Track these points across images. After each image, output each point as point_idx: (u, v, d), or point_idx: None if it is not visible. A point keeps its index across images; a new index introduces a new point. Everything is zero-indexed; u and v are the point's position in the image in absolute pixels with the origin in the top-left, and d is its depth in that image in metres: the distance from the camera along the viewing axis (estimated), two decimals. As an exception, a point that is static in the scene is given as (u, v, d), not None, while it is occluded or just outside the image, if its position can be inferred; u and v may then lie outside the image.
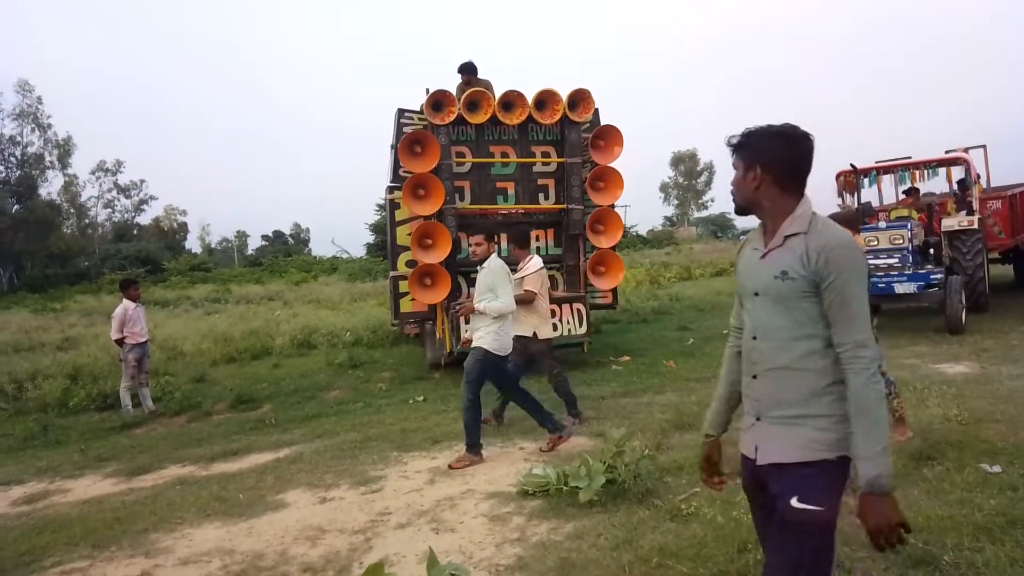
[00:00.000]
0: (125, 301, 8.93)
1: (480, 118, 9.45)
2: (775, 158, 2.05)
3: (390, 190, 9.79)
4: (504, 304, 5.46)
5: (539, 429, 6.23)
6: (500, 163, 9.76)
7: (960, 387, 6.33)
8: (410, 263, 9.32)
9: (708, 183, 72.85)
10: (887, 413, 1.88)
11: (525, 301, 6.22)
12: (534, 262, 6.44)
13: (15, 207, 45.71)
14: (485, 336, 5.48)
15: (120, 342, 8.79)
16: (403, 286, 9.38)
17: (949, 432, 4.92)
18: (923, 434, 4.81)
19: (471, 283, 9.61)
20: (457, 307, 5.88)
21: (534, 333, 6.27)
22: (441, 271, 8.98)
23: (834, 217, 5.54)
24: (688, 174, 72.45)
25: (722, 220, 66.10)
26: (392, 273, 9.76)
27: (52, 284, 37.85)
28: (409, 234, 9.29)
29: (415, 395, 8.49)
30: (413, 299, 9.26)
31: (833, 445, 1.96)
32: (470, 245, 5.80)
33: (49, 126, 48.81)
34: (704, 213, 71.22)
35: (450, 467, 5.36)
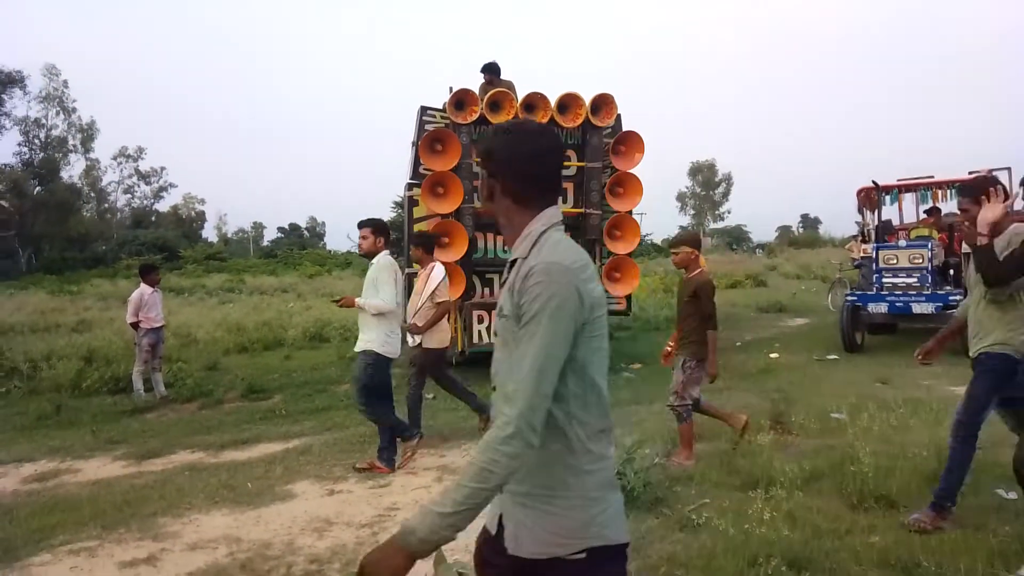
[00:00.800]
0: (143, 286, 8.99)
1: (502, 118, 9.45)
2: (502, 161, 1.67)
3: (409, 187, 9.81)
4: (383, 303, 5.19)
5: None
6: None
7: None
8: (426, 260, 9.33)
9: (726, 194, 72.53)
10: (491, 489, 1.44)
11: (445, 313, 5.96)
12: (439, 271, 6.10)
13: (37, 189, 46.22)
14: (374, 339, 5.27)
15: (135, 326, 8.85)
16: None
17: (965, 455, 4.85)
18: (939, 455, 4.73)
19: (486, 283, 9.66)
20: (339, 299, 5.63)
21: (420, 340, 6.04)
22: (457, 270, 8.98)
23: (676, 238, 5.58)
24: (706, 184, 72.14)
25: (738, 232, 65.83)
26: (408, 270, 9.77)
27: (69, 267, 38.21)
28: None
29: (425, 393, 8.46)
30: (427, 297, 9.26)
31: (578, 533, 1.53)
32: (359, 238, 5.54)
33: (74, 110, 49.34)
34: (720, 224, 70.92)
35: (355, 468, 5.33)
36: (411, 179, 9.83)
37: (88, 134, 50.42)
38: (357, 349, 5.40)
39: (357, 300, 5.32)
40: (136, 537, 4.24)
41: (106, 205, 56.33)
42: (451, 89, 9.44)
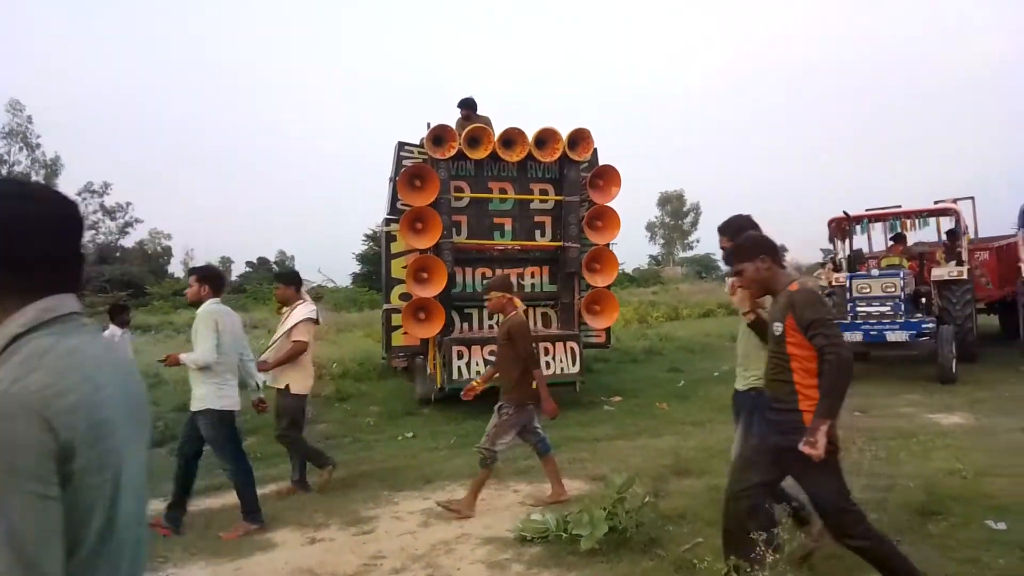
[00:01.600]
0: (112, 327, 8.72)
1: (480, 154, 9.49)
2: None
3: (387, 222, 9.77)
4: (198, 355, 4.86)
5: (534, 470, 6.11)
6: (498, 199, 9.78)
7: (958, 439, 6.30)
8: (404, 296, 9.25)
9: (694, 223, 73.59)
10: None
11: (296, 353, 5.63)
12: (304, 308, 5.81)
13: (-2, 225, 45.19)
14: (207, 395, 4.92)
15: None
16: (396, 319, 9.29)
17: (952, 486, 4.87)
18: (927, 488, 4.74)
19: (465, 318, 9.59)
20: (164, 358, 5.28)
21: (287, 386, 5.74)
22: (436, 305, 8.92)
23: (487, 284, 5.48)
24: (675, 214, 73.20)
25: (707, 261, 66.58)
26: (385, 306, 9.67)
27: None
28: (405, 267, 9.24)
29: (405, 431, 8.34)
30: (406, 333, 9.17)
31: None
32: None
33: (38, 146, 48.56)
34: (690, 253, 71.74)
35: (222, 537, 4.89)
36: (389, 214, 9.79)
37: (52, 170, 49.58)
38: (192, 409, 5.06)
39: (180, 356, 5.08)
40: (109, 595, 4.03)
41: (70, 241, 55.20)
42: (428, 125, 9.46)
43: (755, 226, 3.95)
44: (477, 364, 8.83)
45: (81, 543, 1.14)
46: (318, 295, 37.97)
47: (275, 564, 4.34)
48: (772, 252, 3.37)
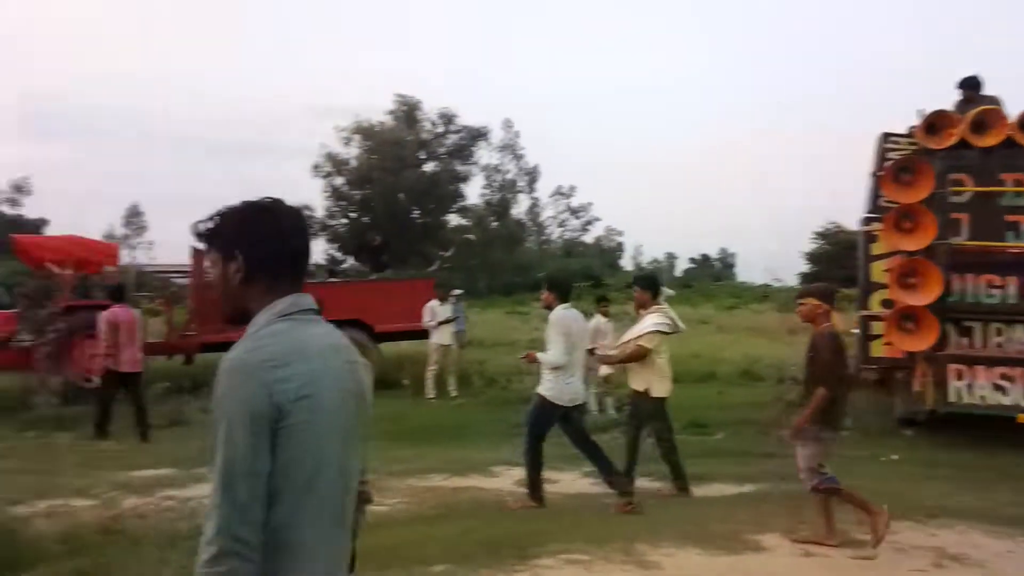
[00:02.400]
0: (597, 316, 9.88)
1: (990, 141, 8.11)
2: (239, 240, 1.59)
3: (867, 221, 9.06)
4: (551, 356, 5.62)
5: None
6: (1013, 192, 8.24)
7: None
8: (886, 303, 8.44)
9: None
10: None
11: (635, 356, 6.06)
12: (655, 318, 6.07)
13: (493, 224, 55.06)
14: (544, 383, 5.71)
15: (591, 351, 9.73)
16: (876, 327, 8.54)
17: None
18: None
19: (963, 332, 8.30)
20: (524, 355, 6.16)
21: (646, 389, 6.03)
22: (926, 315, 7.90)
23: (803, 289, 4.91)
24: None
25: None
26: (862, 312, 8.96)
27: (517, 290, 44.49)
28: (887, 271, 8.41)
29: (886, 452, 7.61)
30: (887, 343, 8.35)
31: None
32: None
33: (522, 156, 57.64)
34: None
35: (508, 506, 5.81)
36: (869, 212, 9.07)
37: (533, 176, 58.38)
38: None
39: (539, 355, 5.79)
40: (621, 559, 4.51)
41: (543, 237, 64.31)
42: (920, 112, 8.45)
43: None
44: (982, 388, 7.57)
45: (285, 492, 1.41)
46: (763, 294, 37.28)
47: (770, 569, 4.34)
48: None
